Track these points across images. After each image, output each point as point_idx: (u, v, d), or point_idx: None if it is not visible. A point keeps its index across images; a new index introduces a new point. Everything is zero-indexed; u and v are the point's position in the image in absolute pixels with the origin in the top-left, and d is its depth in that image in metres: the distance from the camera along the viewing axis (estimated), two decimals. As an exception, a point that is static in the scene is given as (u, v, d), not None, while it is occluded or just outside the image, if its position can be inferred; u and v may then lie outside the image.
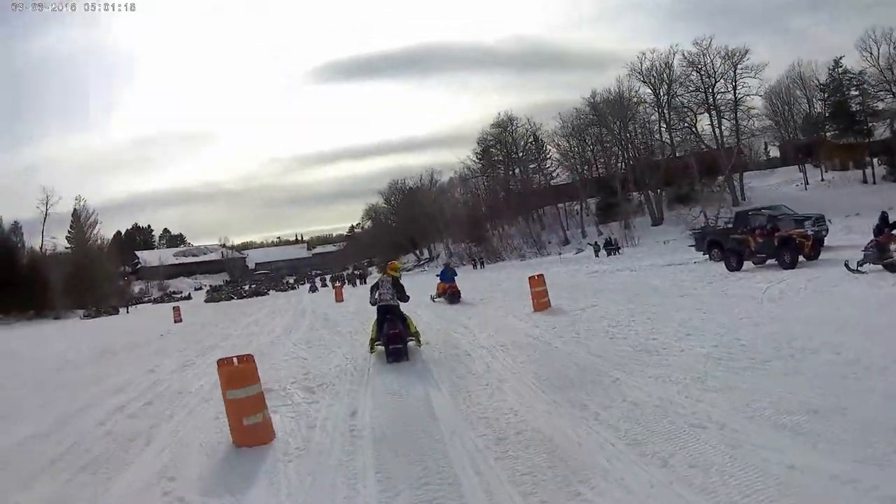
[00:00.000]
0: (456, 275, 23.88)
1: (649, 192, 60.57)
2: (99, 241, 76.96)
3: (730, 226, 26.79)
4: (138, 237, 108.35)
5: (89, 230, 74.64)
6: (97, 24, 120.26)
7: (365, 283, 57.75)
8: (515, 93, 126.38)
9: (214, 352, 14.76)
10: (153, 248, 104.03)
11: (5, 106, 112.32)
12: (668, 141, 60.82)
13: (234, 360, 6.79)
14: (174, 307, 33.19)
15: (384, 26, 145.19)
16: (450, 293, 21.51)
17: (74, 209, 74.03)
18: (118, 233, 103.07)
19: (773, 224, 18.89)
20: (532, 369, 8.93)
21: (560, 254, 56.46)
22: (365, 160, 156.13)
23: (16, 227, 68.09)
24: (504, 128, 72.48)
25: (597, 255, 47.47)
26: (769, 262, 18.26)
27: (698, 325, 10.58)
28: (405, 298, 11.83)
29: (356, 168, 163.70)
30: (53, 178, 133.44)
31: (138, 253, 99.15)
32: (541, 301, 15.65)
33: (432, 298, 22.41)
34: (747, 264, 18.78)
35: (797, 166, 58.85)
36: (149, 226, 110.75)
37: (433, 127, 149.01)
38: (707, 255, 25.12)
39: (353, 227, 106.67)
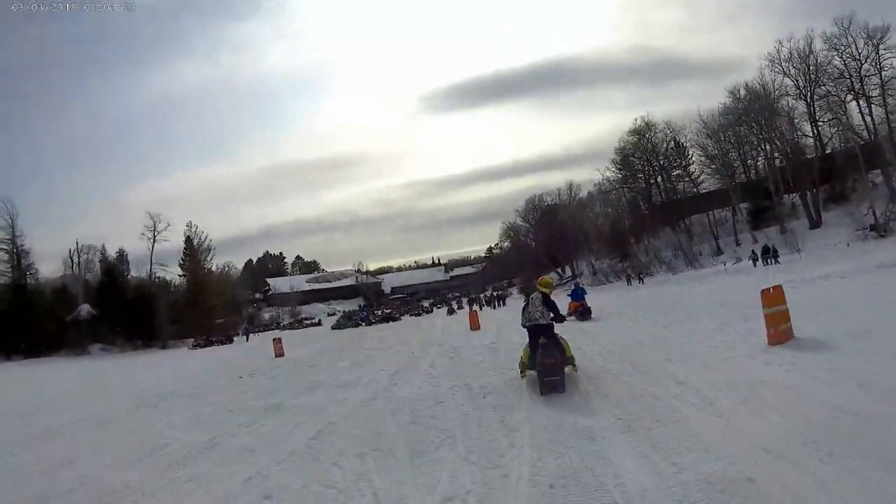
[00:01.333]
0: (586, 293, 24.50)
1: (807, 192, 52.16)
2: (213, 269, 73.09)
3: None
4: (270, 265, 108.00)
5: (203, 257, 70.51)
6: (219, 61, 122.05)
7: (504, 304, 52.69)
8: (647, 105, 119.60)
9: (272, 418, 9.68)
10: (285, 276, 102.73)
11: (134, 138, 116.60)
12: (816, 135, 53.22)
13: None
14: (274, 339, 28.16)
15: (511, 45, 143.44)
16: (581, 311, 21.91)
17: (187, 237, 70.10)
18: (249, 261, 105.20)
19: None
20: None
21: (724, 264, 48.51)
22: (501, 182, 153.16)
23: (121, 255, 66.56)
24: (642, 134, 65.92)
25: (755, 265, 41.69)
26: None
27: None
28: (560, 318, 10.07)
29: (493, 190, 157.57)
30: (185, 209, 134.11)
31: (270, 280, 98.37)
32: (781, 329, 9.80)
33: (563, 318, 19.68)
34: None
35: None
36: (280, 253, 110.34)
37: (567, 145, 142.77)
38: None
39: (490, 247, 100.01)
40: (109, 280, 59.07)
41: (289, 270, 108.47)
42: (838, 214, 48.30)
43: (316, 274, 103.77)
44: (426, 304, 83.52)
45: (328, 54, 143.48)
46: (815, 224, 50.45)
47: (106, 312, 54.06)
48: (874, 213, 44.17)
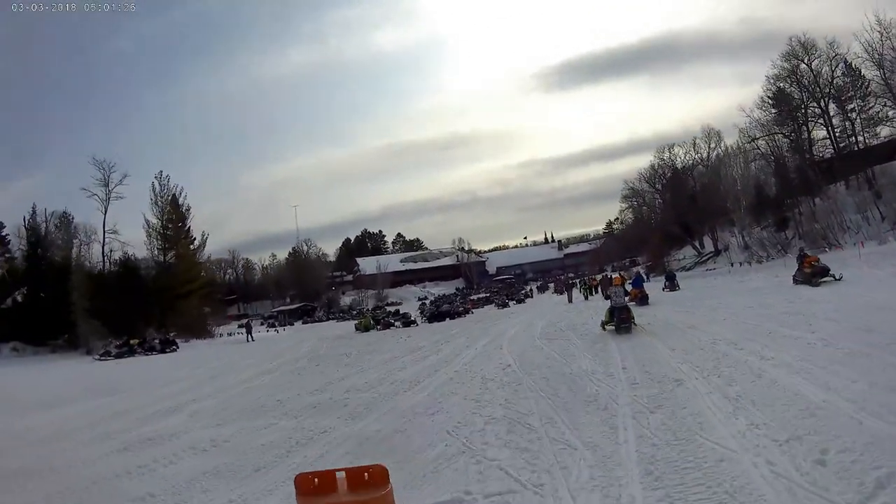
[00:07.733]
0: (645, 281, 29.15)
1: None
2: (192, 239, 53.46)
3: None
4: (369, 243, 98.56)
5: (185, 224, 52.57)
6: (327, 43, 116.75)
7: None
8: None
9: None
10: (385, 255, 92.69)
11: (244, 125, 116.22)
12: None
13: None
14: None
15: (620, 21, 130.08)
16: (640, 297, 23.66)
17: (172, 196, 51.65)
18: (346, 240, 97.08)
19: None
20: None
21: None
22: (617, 161, 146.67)
23: (66, 219, 48.07)
24: (800, 60, 48.48)
25: None
26: None
27: None
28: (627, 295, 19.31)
29: (608, 169, 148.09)
30: (300, 193, 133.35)
31: (360, 260, 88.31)
32: None
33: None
34: None
35: None
36: (380, 231, 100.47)
37: (684, 122, 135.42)
38: None
39: (610, 222, 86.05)
40: (31, 255, 45.33)
41: (389, 250, 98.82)
42: None
43: (412, 252, 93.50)
44: (534, 286, 69.20)
45: (438, 32, 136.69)
46: None
47: (35, 301, 42.18)
48: None
